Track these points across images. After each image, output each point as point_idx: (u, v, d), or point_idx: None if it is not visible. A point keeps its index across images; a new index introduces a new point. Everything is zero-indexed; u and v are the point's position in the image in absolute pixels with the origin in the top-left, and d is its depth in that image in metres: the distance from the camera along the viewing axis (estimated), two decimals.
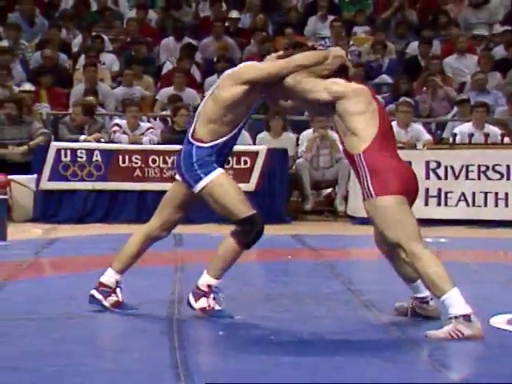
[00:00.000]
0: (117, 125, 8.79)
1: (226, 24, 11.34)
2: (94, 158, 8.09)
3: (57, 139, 8.54)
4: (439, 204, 8.15)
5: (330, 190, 8.71)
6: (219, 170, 3.94)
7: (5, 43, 10.48)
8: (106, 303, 4.01)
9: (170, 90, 9.74)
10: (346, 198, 8.47)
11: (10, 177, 8.03)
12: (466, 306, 3.60)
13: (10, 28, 10.74)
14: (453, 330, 3.56)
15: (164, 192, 8.27)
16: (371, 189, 3.68)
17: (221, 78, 4.04)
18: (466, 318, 3.57)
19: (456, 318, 3.57)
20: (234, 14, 11.54)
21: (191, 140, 3.94)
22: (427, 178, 8.14)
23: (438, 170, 8.18)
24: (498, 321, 3.95)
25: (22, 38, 10.73)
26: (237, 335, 3.69)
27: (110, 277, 4.04)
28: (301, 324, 3.90)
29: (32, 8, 11.27)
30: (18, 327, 3.79)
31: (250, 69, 3.92)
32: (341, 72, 3.93)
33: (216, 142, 3.92)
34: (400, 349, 3.55)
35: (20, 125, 8.50)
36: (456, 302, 3.58)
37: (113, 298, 4.03)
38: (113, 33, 11.25)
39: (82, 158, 8.08)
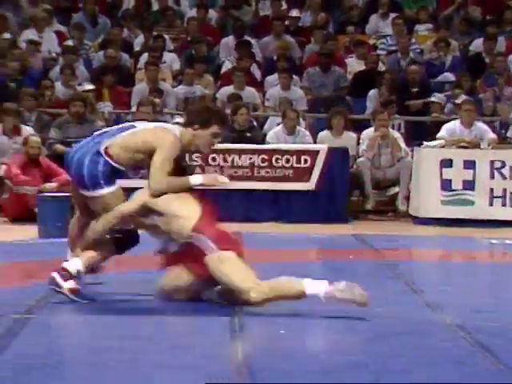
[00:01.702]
0: (178, 123, 8.82)
1: (286, 22, 11.31)
2: None
3: None
4: (504, 204, 7.96)
5: (396, 189, 8.56)
6: (117, 185, 4.30)
7: (70, 43, 10.66)
8: (64, 286, 4.15)
9: (229, 89, 9.76)
10: (407, 198, 8.37)
11: None
12: None
13: (74, 28, 10.92)
14: None
15: (224, 190, 8.35)
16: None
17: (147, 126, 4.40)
18: None
19: None
20: (295, 12, 11.50)
21: (101, 152, 4.27)
22: (492, 177, 7.97)
23: (502, 170, 7.99)
24: None
25: (85, 38, 10.90)
26: (298, 334, 3.65)
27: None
28: (364, 324, 3.84)
29: (95, 8, 11.43)
30: (81, 324, 3.82)
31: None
32: None
33: (119, 166, 4.29)
34: (465, 350, 3.47)
35: (84, 123, 8.62)
36: None
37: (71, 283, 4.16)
38: (174, 32, 11.33)
39: None
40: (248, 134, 8.71)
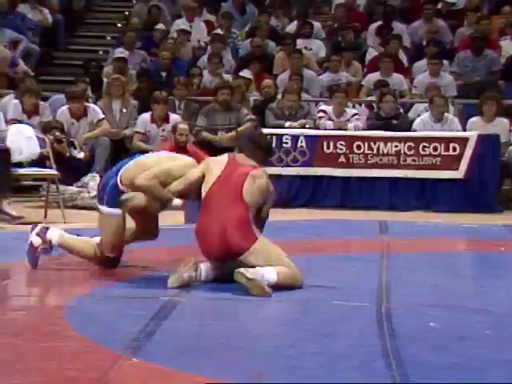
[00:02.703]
0: (322, 111, 8.79)
1: (438, 6, 10.97)
2: (299, 144, 8.14)
3: (263, 125, 8.68)
4: None
5: None
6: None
7: (218, 31, 10.83)
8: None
9: (376, 76, 9.59)
10: None
11: None
12: None
13: (222, 17, 11.08)
14: None
15: (368, 178, 8.20)
16: None
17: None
18: None
19: None
20: None
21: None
22: None
23: None
24: None
25: (233, 26, 11.04)
26: (448, 328, 3.52)
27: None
28: None
29: None
30: (228, 307, 3.86)
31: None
32: None
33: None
34: None
35: (230, 111, 8.74)
36: None
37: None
38: (321, 19, 11.26)
39: (287, 143, 8.16)
40: (394, 122, 8.54)
